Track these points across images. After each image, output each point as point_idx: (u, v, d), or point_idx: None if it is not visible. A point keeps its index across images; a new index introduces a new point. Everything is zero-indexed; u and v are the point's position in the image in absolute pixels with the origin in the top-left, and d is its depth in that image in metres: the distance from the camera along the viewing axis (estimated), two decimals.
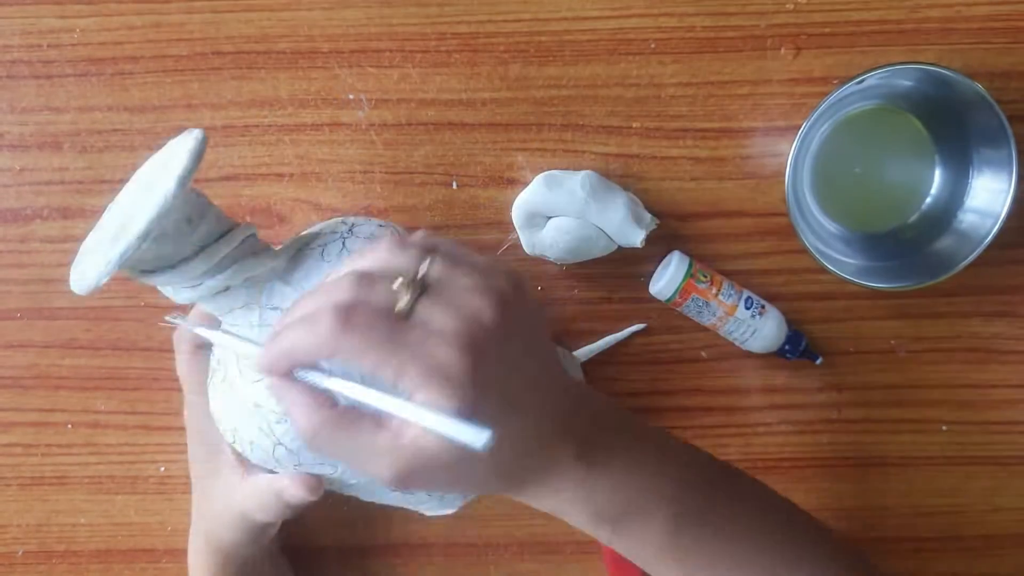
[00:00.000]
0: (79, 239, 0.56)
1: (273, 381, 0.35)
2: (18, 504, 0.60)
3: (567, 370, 0.57)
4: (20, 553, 0.60)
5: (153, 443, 0.59)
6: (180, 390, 0.58)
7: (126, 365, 0.59)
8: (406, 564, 0.61)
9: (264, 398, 0.43)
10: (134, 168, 0.56)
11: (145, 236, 0.37)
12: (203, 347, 0.51)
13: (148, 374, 0.59)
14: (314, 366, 0.35)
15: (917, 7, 0.55)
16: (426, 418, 0.32)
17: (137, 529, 0.60)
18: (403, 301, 0.33)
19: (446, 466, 0.34)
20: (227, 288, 0.42)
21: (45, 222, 0.57)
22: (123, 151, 0.56)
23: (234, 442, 0.46)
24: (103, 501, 0.60)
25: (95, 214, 0.56)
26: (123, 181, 0.56)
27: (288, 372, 0.35)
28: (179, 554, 0.60)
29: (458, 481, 0.37)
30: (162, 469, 0.59)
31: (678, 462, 0.42)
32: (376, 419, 0.34)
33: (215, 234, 0.42)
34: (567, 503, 0.39)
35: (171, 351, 0.57)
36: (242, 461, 0.48)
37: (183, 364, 0.51)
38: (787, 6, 0.55)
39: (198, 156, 0.39)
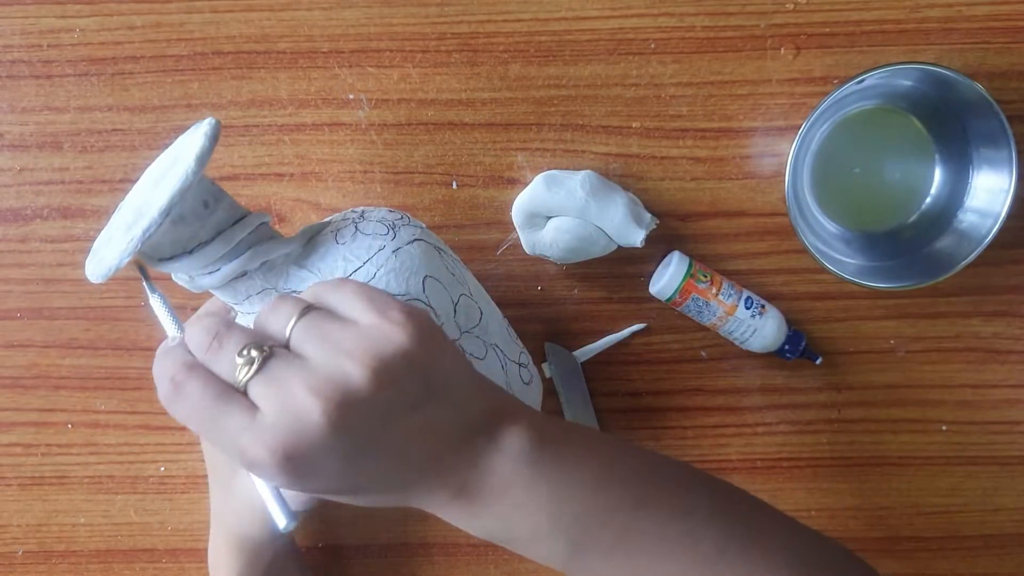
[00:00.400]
0: (79, 239, 0.57)
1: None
2: (18, 504, 0.60)
3: (563, 365, 0.58)
4: (20, 553, 0.60)
5: (153, 443, 0.59)
6: None
7: (126, 365, 0.59)
8: (406, 564, 0.61)
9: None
10: (134, 168, 0.57)
11: (166, 212, 0.37)
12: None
13: (148, 374, 0.59)
14: None
15: (917, 7, 0.55)
16: (256, 482, 0.36)
17: (137, 529, 0.60)
18: (241, 374, 0.33)
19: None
20: (244, 273, 0.43)
21: (45, 222, 0.57)
22: (123, 151, 0.56)
23: None
24: (103, 501, 0.60)
25: (95, 214, 0.57)
26: (123, 181, 0.57)
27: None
28: (179, 554, 0.60)
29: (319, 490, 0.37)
30: (162, 469, 0.59)
31: (595, 489, 0.39)
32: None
33: (230, 219, 0.42)
34: (452, 522, 0.38)
35: None
36: None
37: None
38: (787, 6, 0.55)
39: (214, 138, 0.39)
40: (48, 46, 0.55)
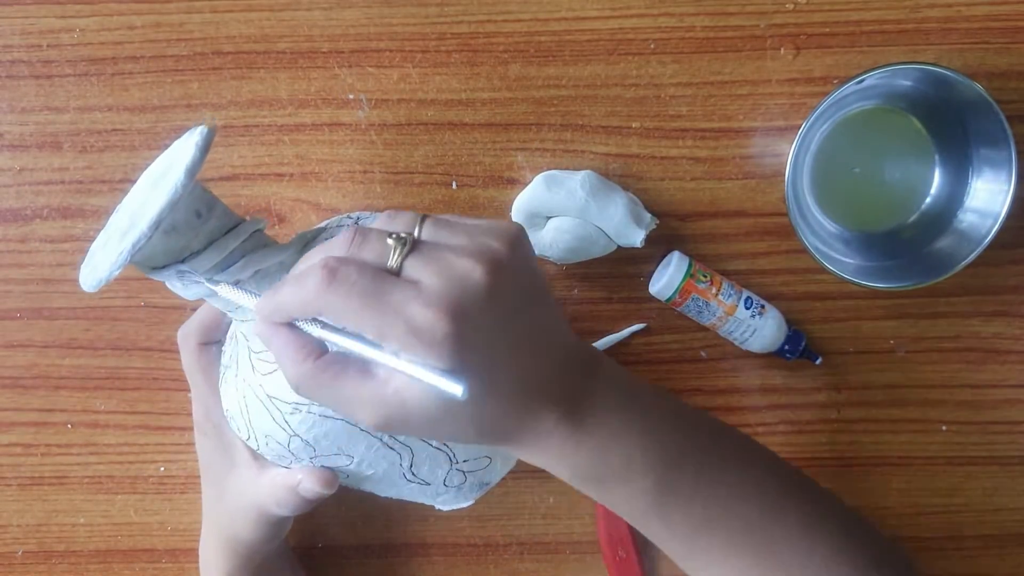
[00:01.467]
0: (79, 239, 0.57)
1: (262, 328, 0.36)
2: (18, 504, 0.60)
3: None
4: (20, 553, 0.60)
5: (153, 443, 0.59)
6: (180, 390, 0.58)
7: (126, 365, 0.59)
8: (406, 564, 0.61)
9: (278, 389, 0.43)
10: (134, 168, 0.57)
11: (156, 226, 0.37)
12: (209, 343, 0.51)
13: (148, 374, 0.59)
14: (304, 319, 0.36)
15: (917, 7, 0.55)
16: (408, 368, 0.34)
17: (137, 529, 0.60)
18: (392, 258, 0.34)
19: (427, 417, 0.35)
20: (237, 282, 0.43)
21: (45, 222, 0.57)
22: (123, 151, 0.56)
23: (248, 438, 0.46)
24: (103, 501, 0.60)
25: (95, 214, 0.57)
26: (123, 181, 0.57)
27: (281, 323, 0.36)
28: (179, 554, 0.60)
29: (438, 431, 0.38)
30: (162, 469, 0.59)
31: (674, 428, 0.41)
32: (362, 368, 0.35)
33: (223, 228, 0.42)
34: (550, 461, 0.39)
35: (171, 351, 0.58)
36: (257, 456, 0.48)
37: (190, 360, 0.51)
38: (787, 6, 0.55)
39: (206, 148, 0.39)
40: (48, 46, 0.56)
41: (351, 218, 0.47)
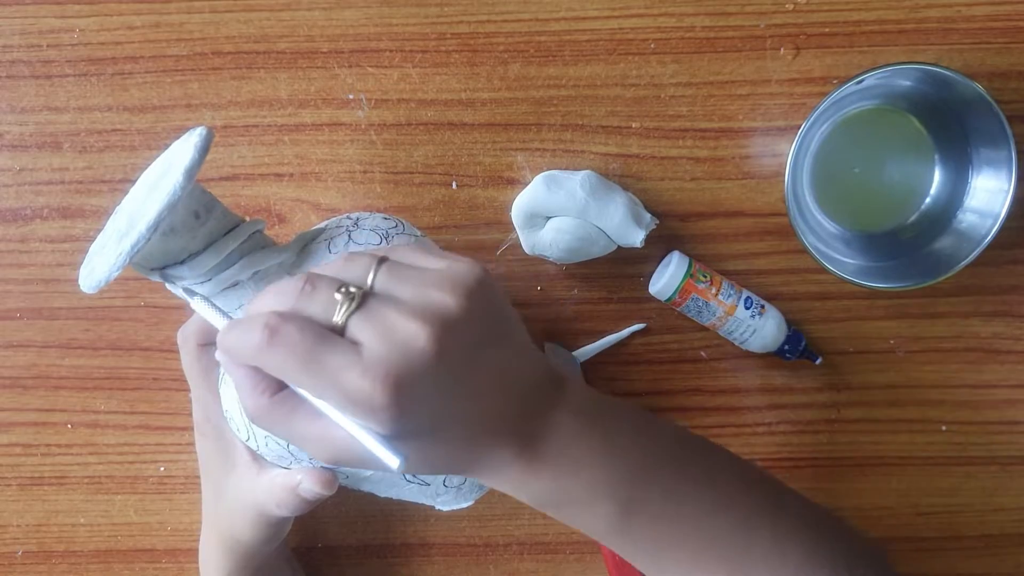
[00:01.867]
0: (79, 239, 0.57)
1: (221, 359, 0.36)
2: (18, 504, 0.60)
3: (564, 365, 0.58)
4: (20, 553, 0.60)
5: (153, 443, 0.59)
6: (180, 390, 0.58)
7: (126, 365, 0.59)
8: (406, 564, 0.61)
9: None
10: (134, 168, 0.57)
11: (154, 228, 0.37)
12: (209, 344, 0.50)
13: (148, 374, 0.59)
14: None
15: (917, 7, 0.55)
16: (350, 428, 0.33)
17: (137, 529, 0.60)
18: (338, 314, 0.33)
19: (377, 463, 0.34)
20: (236, 283, 0.43)
21: (45, 222, 0.57)
22: (123, 151, 0.56)
23: (248, 439, 0.46)
24: (103, 501, 0.60)
25: (95, 214, 0.57)
26: (123, 181, 0.57)
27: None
28: (179, 554, 0.60)
29: (390, 472, 0.37)
30: (162, 469, 0.59)
31: (640, 449, 0.41)
32: (312, 410, 0.35)
33: (223, 229, 0.42)
34: (509, 489, 0.39)
35: (171, 351, 0.58)
36: (255, 456, 0.48)
37: (189, 361, 0.51)
38: (787, 6, 0.55)
39: (204, 150, 0.39)
40: (48, 46, 0.56)
41: (350, 219, 0.47)
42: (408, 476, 0.46)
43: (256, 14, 0.55)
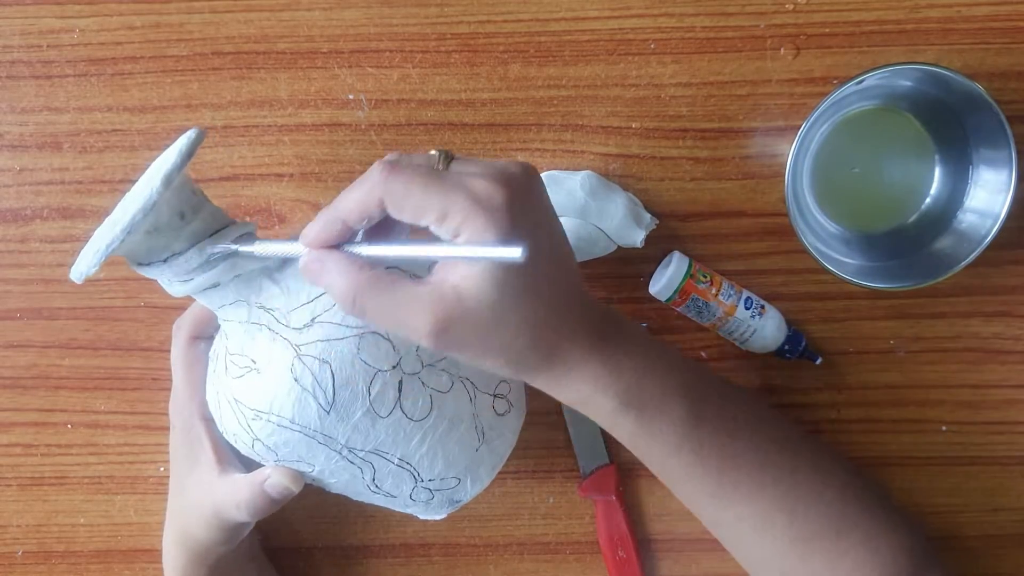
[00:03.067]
0: (79, 239, 0.57)
1: (309, 260, 0.38)
2: (18, 504, 0.60)
3: None
4: (20, 553, 0.60)
5: (153, 443, 0.59)
6: None
7: (126, 365, 0.59)
8: (405, 564, 0.61)
9: (243, 394, 0.43)
10: (134, 168, 0.57)
11: (129, 230, 0.38)
12: (200, 339, 0.51)
13: (148, 374, 0.59)
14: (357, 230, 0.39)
15: (917, 7, 0.55)
16: (467, 250, 0.35)
17: (137, 529, 0.60)
18: (439, 163, 0.38)
19: (482, 318, 0.36)
20: (217, 284, 0.43)
21: (45, 222, 0.57)
22: (123, 151, 0.56)
23: (224, 432, 0.47)
24: (103, 501, 0.60)
25: (95, 214, 0.57)
26: (123, 181, 0.57)
27: (330, 246, 0.38)
28: None
29: (491, 342, 0.38)
30: (162, 469, 0.59)
31: (689, 367, 0.44)
32: (415, 278, 0.38)
33: (209, 230, 0.42)
34: (591, 390, 0.40)
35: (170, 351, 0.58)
36: (220, 457, 0.48)
37: (176, 351, 0.51)
38: (787, 6, 0.55)
39: (186, 154, 0.39)
40: (48, 46, 0.56)
41: None
42: (373, 487, 0.47)
43: (256, 14, 0.55)
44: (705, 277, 0.55)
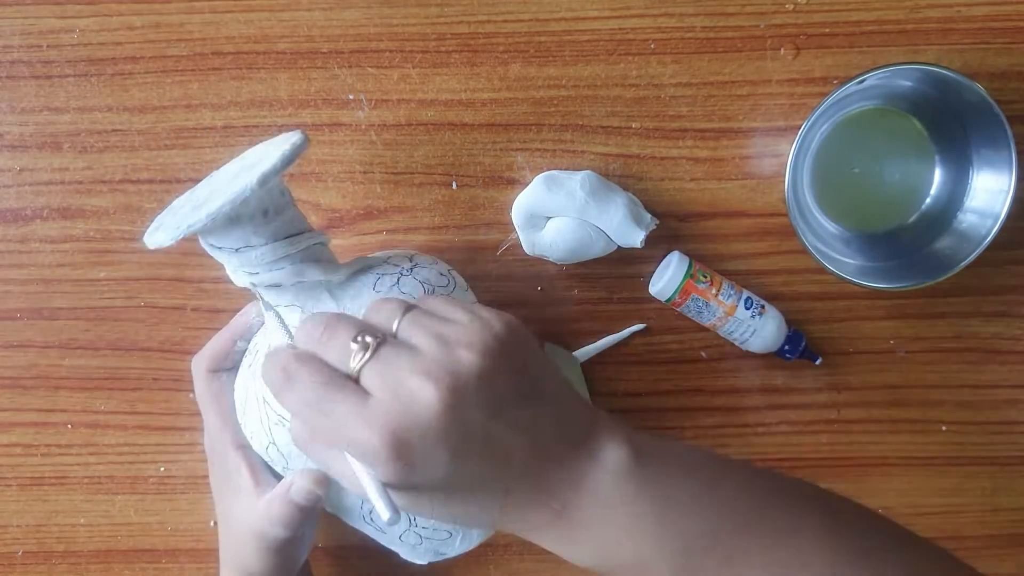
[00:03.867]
0: (79, 239, 0.57)
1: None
2: (18, 504, 0.60)
3: (566, 375, 0.58)
4: (20, 553, 0.60)
5: (153, 443, 0.59)
6: (180, 390, 0.58)
7: (126, 365, 0.59)
8: (406, 564, 0.60)
9: (273, 396, 0.43)
10: (134, 168, 0.57)
11: (214, 217, 0.39)
12: (219, 371, 0.51)
13: (148, 374, 0.59)
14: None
15: (917, 7, 0.55)
16: (358, 471, 0.34)
17: (137, 529, 0.60)
18: (353, 361, 0.34)
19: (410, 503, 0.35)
20: (279, 284, 0.43)
21: (45, 222, 0.57)
22: (123, 151, 0.56)
23: (243, 425, 0.47)
24: (103, 501, 0.60)
25: (95, 214, 0.57)
26: (123, 181, 0.57)
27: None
28: (179, 554, 0.60)
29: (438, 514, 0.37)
30: (162, 469, 0.59)
31: (703, 510, 0.37)
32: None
33: (286, 232, 0.43)
34: (553, 548, 0.37)
35: (171, 351, 0.58)
36: (258, 480, 0.48)
37: (200, 386, 0.51)
38: (787, 6, 0.55)
39: (288, 160, 0.40)
40: (48, 46, 0.55)
41: (409, 260, 0.47)
42: (367, 519, 0.47)
43: (256, 14, 0.55)
44: (705, 277, 0.55)
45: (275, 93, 0.56)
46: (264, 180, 0.39)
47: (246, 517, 0.48)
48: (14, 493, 0.60)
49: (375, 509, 0.33)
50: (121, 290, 0.58)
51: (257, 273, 0.43)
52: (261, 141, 0.56)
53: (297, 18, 0.55)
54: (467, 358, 0.34)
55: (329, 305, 0.44)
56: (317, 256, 0.44)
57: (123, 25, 0.55)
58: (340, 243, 0.57)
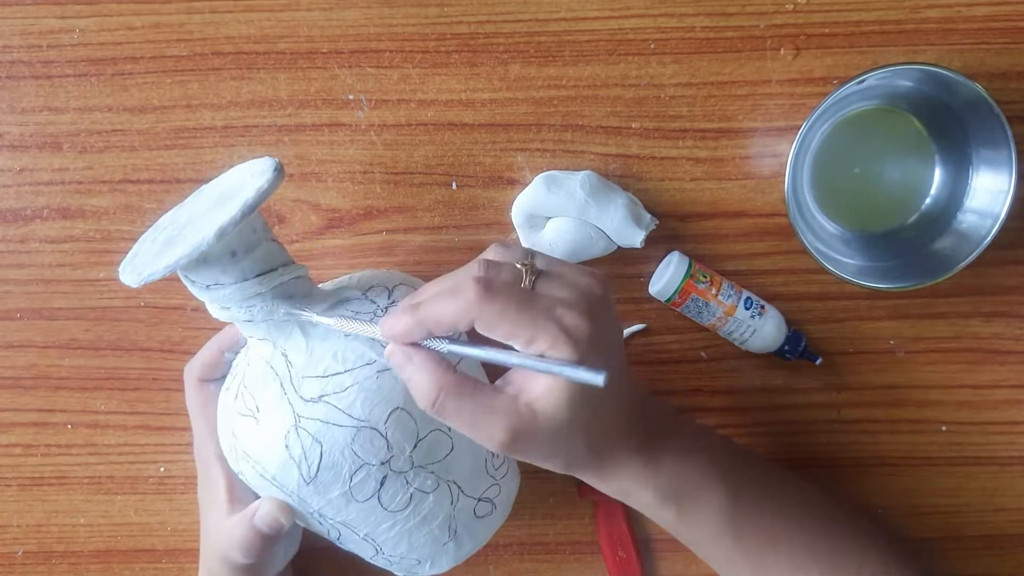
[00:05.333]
0: (79, 239, 0.57)
1: (396, 351, 0.39)
2: (18, 504, 0.60)
3: None
4: (20, 553, 0.60)
5: (153, 443, 0.59)
6: (180, 390, 0.58)
7: (126, 365, 0.59)
8: None
9: (241, 433, 0.45)
10: (134, 168, 0.57)
11: (171, 268, 0.39)
12: (207, 380, 0.51)
13: (148, 374, 0.59)
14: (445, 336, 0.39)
15: (917, 7, 0.55)
16: (554, 367, 0.36)
17: (137, 529, 0.60)
18: (526, 279, 0.38)
19: (551, 433, 0.38)
20: (250, 320, 0.43)
21: (45, 222, 0.57)
22: (123, 151, 0.56)
23: (221, 442, 0.48)
24: (103, 501, 0.60)
25: (95, 214, 0.57)
26: (123, 181, 0.57)
27: (414, 342, 0.39)
28: (179, 554, 0.60)
29: (555, 450, 0.40)
30: (162, 469, 0.59)
31: (733, 453, 0.47)
32: (495, 386, 0.39)
33: (258, 269, 0.43)
34: (631, 482, 0.43)
35: (171, 351, 0.58)
36: (231, 496, 0.48)
37: (189, 394, 0.52)
38: (787, 6, 0.55)
39: (250, 209, 0.40)
40: (48, 46, 0.55)
41: (387, 299, 0.47)
42: (338, 544, 0.48)
43: (256, 14, 0.55)
44: (705, 277, 0.55)
45: (275, 93, 0.56)
46: (221, 233, 0.39)
47: (217, 534, 0.48)
48: (14, 493, 0.60)
49: (592, 380, 0.35)
50: (121, 290, 0.58)
51: (229, 308, 0.43)
52: (260, 142, 0.56)
53: (297, 18, 0.55)
54: (596, 281, 0.40)
55: (299, 343, 0.44)
56: (291, 292, 0.44)
57: (123, 25, 0.55)
58: (340, 243, 0.57)
